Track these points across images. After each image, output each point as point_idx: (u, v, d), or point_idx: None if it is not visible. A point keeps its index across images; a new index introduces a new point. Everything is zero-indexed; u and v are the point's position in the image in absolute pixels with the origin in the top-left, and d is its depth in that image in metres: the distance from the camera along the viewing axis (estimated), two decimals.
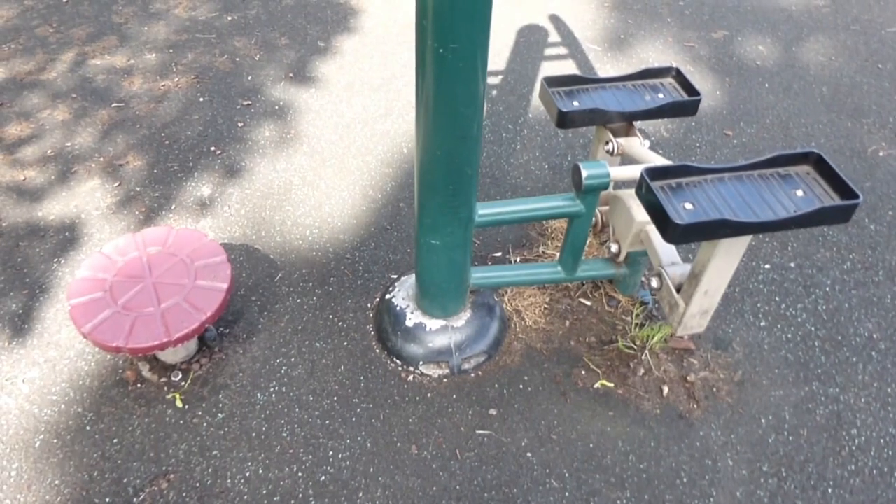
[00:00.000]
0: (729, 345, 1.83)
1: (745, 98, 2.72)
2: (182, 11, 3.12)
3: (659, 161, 1.67)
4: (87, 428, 1.61)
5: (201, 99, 2.63)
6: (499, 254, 2.06)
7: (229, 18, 3.06)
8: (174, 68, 2.79)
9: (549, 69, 2.81)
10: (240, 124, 2.52)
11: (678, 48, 2.97)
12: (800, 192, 1.32)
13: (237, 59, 2.83)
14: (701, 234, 1.24)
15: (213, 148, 2.42)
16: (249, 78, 2.73)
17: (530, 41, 2.97)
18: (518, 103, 2.63)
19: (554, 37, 3.00)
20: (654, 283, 1.57)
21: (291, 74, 2.75)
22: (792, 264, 2.07)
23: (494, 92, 2.68)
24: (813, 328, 1.89)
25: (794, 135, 2.55)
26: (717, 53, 2.95)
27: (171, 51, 2.88)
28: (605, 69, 2.82)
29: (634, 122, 1.80)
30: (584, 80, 1.81)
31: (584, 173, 1.48)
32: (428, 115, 1.26)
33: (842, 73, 2.88)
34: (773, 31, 3.11)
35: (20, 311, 1.87)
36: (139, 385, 1.70)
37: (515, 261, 2.04)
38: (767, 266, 2.06)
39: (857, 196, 1.26)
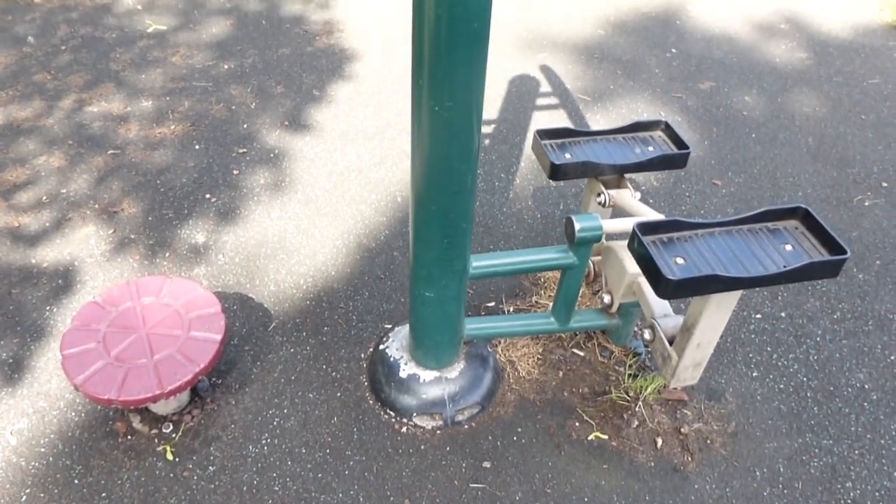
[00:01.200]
0: (722, 395, 1.84)
1: (732, 148, 2.77)
2: (179, 59, 3.16)
3: (649, 213, 1.70)
4: (76, 481, 1.59)
5: (197, 146, 2.66)
6: (492, 303, 2.07)
7: (226, 67, 3.11)
8: (170, 115, 2.82)
9: (541, 119, 2.86)
10: (235, 172, 2.54)
11: (666, 98, 3.03)
12: (789, 247, 1.34)
13: (233, 107, 2.87)
14: (693, 289, 1.26)
15: (207, 195, 2.43)
16: (245, 126, 2.77)
17: (522, 91, 3.03)
18: (510, 152, 2.67)
19: (545, 87, 3.06)
20: (647, 335, 1.58)
21: (287, 122, 2.79)
22: (783, 314, 2.09)
23: (487, 141, 2.72)
24: (805, 378, 1.90)
25: (781, 185, 2.60)
26: (705, 104, 3.02)
27: (167, 98, 2.92)
28: (595, 119, 2.87)
29: (625, 174, 1.83)
30: (575, 133, 1.84)
31: (577, 226, 1.50)
32: (423, 171, 1.28)
33: (826, 123, 2.95)
34: (759, 82, 3.18)
35: (10, 360, 1.85)
36: (129, 437, 1.68)
37: (509, 310, 2.05)
38: (759, 316, 2.07)
39: (844, 251, 1.28)
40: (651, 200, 2.48)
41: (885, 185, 2.63)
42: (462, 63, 1.11)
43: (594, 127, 2.82)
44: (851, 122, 2.96)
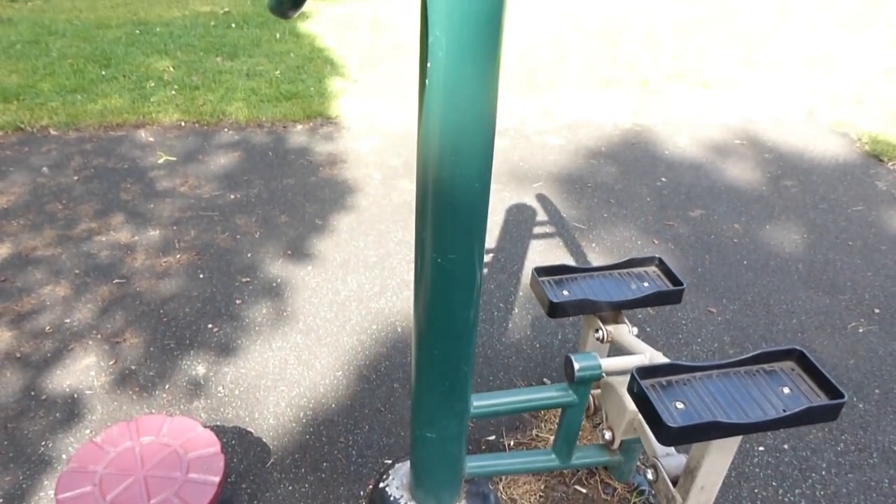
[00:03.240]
0: None
1: (725, 275, 2.83)
2: (187, 190, 3.28)
3: (646, 350, 1.73)
4: None
5: (201, 276, 2.71)
6: (492, 437, 2.05)
7: (232, 197, 3.22)
8: (176, 245, 2.90)
9: (538, 248, 2.94)
10: (238, 301, 2.58)
11: (658, 227, 3.13)
12: (786, 390, 1.36)
13: (238, 237, 2.95)
14: (694, 436, 1.27)
15: (210, 325, 2.46)
16: (249, 255, 2.84)
17: (519, 220, 3.13)
18: (509, 281, 2.73)
19: (541, 216, 3.16)
20: (650, 474, 1.56)
21: (289, 252, 2.86)
22: (786, 446, 2.07)
23: (486, 270, 2.79)
24: None
25: (775, 312, 2.64)
26: (696, 231, 3.11)
27: (174, 227, 3.01)
28: (591, 247, 2.95)
29: (622, 310, 1.87)
30: (572, 270, 1.90)
31: (576, 366, 1.53)
32: (424, 317, 1.32)
33: (815, 250, 3.03)
34: (747, 209, 3.29)
35: (2, 501, 1.81)
36: None
37: (509, 444, 2.03)
38: (762, 448, 2.06)
39: (842, 395, 1.30)
40: (648, 329, 2.51)
41: (877, 311, 2.67)
42: (464, 218, 1.17)
43: (591, 256, 2.90)
44: (839, 249, 3.04)
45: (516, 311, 2.58)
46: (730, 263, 2.91)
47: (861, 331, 2.56)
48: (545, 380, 2.28)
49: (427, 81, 1.05)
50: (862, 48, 5.26)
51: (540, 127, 3.94)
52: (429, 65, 1.03)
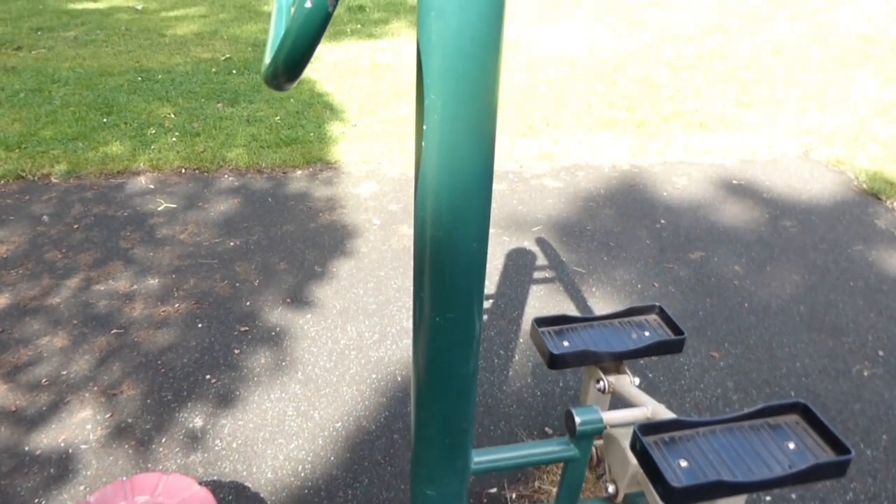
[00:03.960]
0: None
1: (727, 318, 2.82)
2: (187, 237, 3.28)
3: (649, 402, 1.70)
4: None
5: (200, 325, 2.70)
6: (494, 490, 2.01)
7: (231, 244, 3.22)
8: (175, 293, 2.89)
9: (538, 292, 2.93)
10: (236, 351, 2.56)
11: (658, 269, 3.12)
12: (791, 445, 1.34)
13: (237, 285, 2.94)
14: (699, 495, 1.24)
15: (208, 376, 2.44)
16: (248, 303, 2.82)
17: (519, 265, 3.12)
18: (509, 328, 2.71)
19: (541, 260, 3.16)
20: None
21: (289, 300, 2.85)
22: (793, 495, 2.03)
23: (486, 316, 2.77)
24: None
25: (778, 356, 2.61)
26: (696, 274, 3.10)
27: (173, 276, 3.00)
28: (591, 291, 2.94)
29: (624, 360, 1.86)
30: (572, 320, 1.89)
31: (578, 420, 1.50)
32: (423, 375, 1.30)
33: (816, 291, 3.01)
34: (747, 251, 3.29)
35: None
36: None
37: (511, 497, 1.99)
38: (769, 498, 2.02)
39: (848, 451, 1.28)
40: (650, 375, 2.49)
41: (881, 353, 2.65)
42: (463, 278, 1.16)
43: (591, 301, 2.88)
44: (841, 290, 3.03)
45: (517, 358, 2.56)
46: (731, 306, 2.89)
47: (866, 374, 2.54)
48: (547, 429, 2.25)
49: (423, 143, 1.05)
50: (856, 85, 5.32)
51: (538, 170, 3.96)
52: (424, 127, 1.03)
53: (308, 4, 0.69)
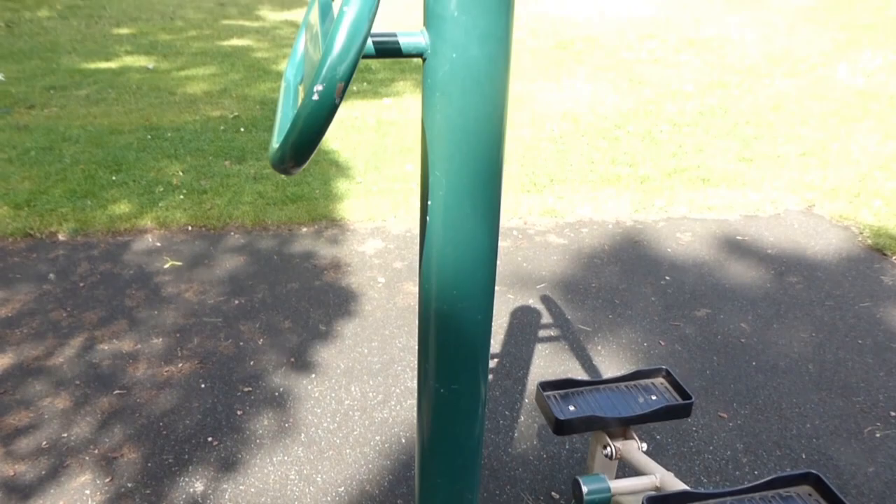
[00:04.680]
0: None
1: (734, 377, 2.79)
2: (192, 295, 3.29)
3: (657, 470, 1.67)
4: None
5: (203, 385, 2.68)
6: None
7: (236, 302, 3.23)
8: (179, 353, 2.88)
9: (543, 351, 2.91)
10: (239, 412, 2.54)
11: (665, 327, 3.10)
12: None
13: (241, 344, 2.93)
14: None
15: (210, 438, 2.41)
16: (252, 363, 2.81)
17: (524, 323, 3.11)
18: (514, 388, 2.68)
19: (546, 318, 3.15)
20: None
21: (293, 359, 2.84)
22: None
23: (492, 376, 2.75)
24: None
25: (788, 416, 2.58)
26: (703, 332, 3.08)
27: (177, 335, 2.99)
28: (597, 350, 2.92)
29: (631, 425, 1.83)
30: (578, 384, 1.87)
31: (585, 489, 1.48)
32: (428, 446, 1.29)
33: (824, 349, 2.99)
34: (753, 308, 3.28)
35: None
36: None
37: None
38: None
39: None
40: (658, 437, 2.45)
41: (893, 414, 2.61)
42: (468, 350, 1.16)
43: (597, 360, 2.86)
44: (849, 348, 3.00)
45: (522, 419, 2.52)
46: (739, 365, 2.86)
47: (878, 435, 2.49)
48: (553, 493, 2.21)
49: (427, 218, 1.06)
50: (856, 140, 5.37)
51: (542, 226, 3.98)
52: (429, 203, 1.05)
53: (315, 97, 0.71)
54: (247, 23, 9.53)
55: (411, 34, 0.97)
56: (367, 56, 0.90)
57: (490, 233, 1.07)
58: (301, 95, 1.02)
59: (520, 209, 4.11)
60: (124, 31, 9.00)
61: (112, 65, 7.43)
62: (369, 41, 0.94)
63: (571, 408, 1.79)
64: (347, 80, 0.72)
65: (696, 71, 7.17)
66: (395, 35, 0.96)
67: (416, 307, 2.85)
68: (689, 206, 4.28)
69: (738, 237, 3.96)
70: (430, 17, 0.94)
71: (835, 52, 7.73)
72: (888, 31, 8.40)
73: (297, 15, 10.01)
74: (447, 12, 0.92)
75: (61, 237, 3.84)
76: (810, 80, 6.91)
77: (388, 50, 0.97)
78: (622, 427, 1.81)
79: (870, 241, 3.95)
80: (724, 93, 6.49)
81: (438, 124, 0.99)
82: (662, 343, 2.99)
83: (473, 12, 0.92)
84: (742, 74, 7.06)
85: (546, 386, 1.84)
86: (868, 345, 3.03)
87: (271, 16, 10.03)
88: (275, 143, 0.85)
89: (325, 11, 0.98)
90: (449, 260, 1.07)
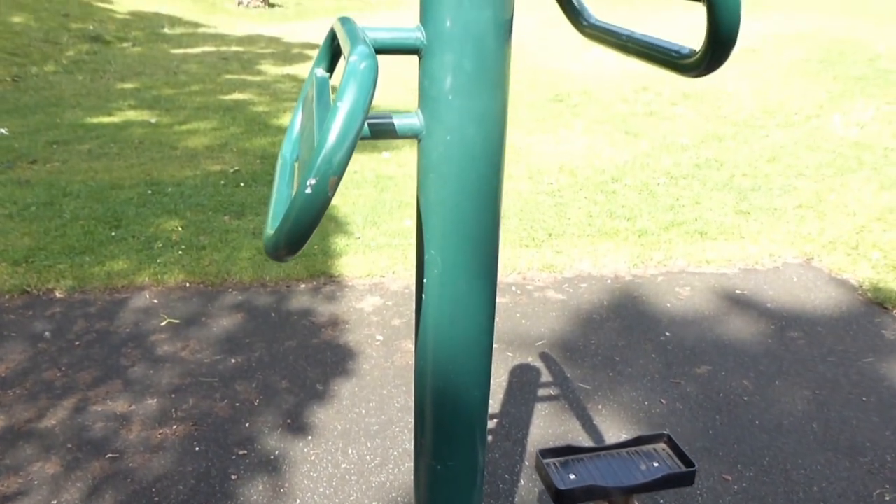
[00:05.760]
0: None
1: (738, 437, 2.74)
2: (188, 354, 3.26)
3: None
4: None
5: (197, 448, 2.63)
6: None
7: (233, 361, 3.20)
8: (173, 414, 2.83)
9: (543, 410, 2.87)
10: (233, 477, 2.49)
11: (665, 385, 3.07)
12: None
13: (237, 405, 2.89)
14: None
15: None
16: (247, 425, 2.77)
17: (523, 382, 3.08)
18: (514, 449, 2.64)
19: (545, 376, 3.11)
20: None
21: (289, 421, 2.79)
22: None
23: (491, 437, 2.70)
24: None
25: (794, 478, 2.52)
26: (704, 389, 3.04)
27: (172, 396, 2.95)
28: (597, 409, 2.88)
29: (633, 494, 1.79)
30: (578, 450, 1.83)
31: None
32: None
33: (829, 407, 2.95)
34: (755, 364, 3.24)
35: None
36: None
37: None
38: None
39: None
40: (661, 501, 2.39)
41: None
42: (464, 427, 1.14)
43: (597, 419, 2.82)
44: (854, 406, 2.96)
45: (522, 482, 2.47)
46: (742, 424, 2.82)
47: (888, 498, 2.44)
48: None
49: (423, 296, 1.06)
50: (852, 192, 5.40)
51: (541, 282, 3.98)
52: (425, 281, 1.04)
53: (308, 190, 0.71)
54: (248, 77, 9.69)
55: (406, 115, 0.97)
56: (362, 138, 0.90)
57: (486, 310, 1.06)
58: (297, 175, 1.03)
59: (518, 264, 4.11)
60: (128, 85, 9.14)
61: (115, 119, 7.52)
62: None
63: (572, 476, 1.75)
64: (340, 173, 0.72)
65: (691, 123, 7.26)
66: (390, 116, 0.97)
67: (414, 365, 2.83)
68: (688, 259, 4.28)
69: (738, 291, 3.95)
70: (425, 99, 0.95)
71: (828, 103, 7.84)
72: (879, 82, 8.53)
73: (297, 69, 10.19)
74: (442, 95, 0.93)
75: (58, 294, 3.82)
76: (805, 132, 6.99)
77: (383, 131, 0.97)
78: (624, 496, 1.77)
79: (870, 295, 3.93)
80: (719, 145, 6.56)
81: (433, 204, 0.99)
82: (663, 402, 2.95)
83: (468, 95, 0.93)
84: (737, 126, 7.15)
85: (546, 453, 1.80)
86: (873, 402, 2.99)
87: (272, 70, 10.20)
88: (269, 230, 0.85)
89: (322, 90, 0.99)
90: (445, 338, 1.06)
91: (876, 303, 3.86)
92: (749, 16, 12.72)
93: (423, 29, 0.93)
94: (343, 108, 0.72)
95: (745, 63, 9.27)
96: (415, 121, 0.97)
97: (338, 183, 0.73)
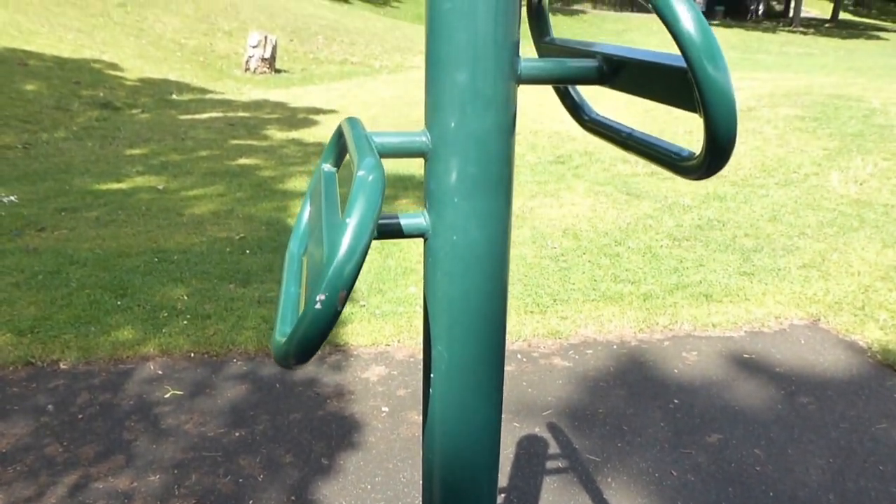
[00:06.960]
0: None
1: None
2: (192, 427, 3.23)
3: None
4: None
5: None
6: None
7: (237, 434, 3.16)
8: (176, 491, 2.79)
9: (551, 484, 2.82)
10: None
11: (676, 455, 3.01)
12: None
13: (240, 480, 2.85)
14: None
15: None
16: (251, 502, 2.72)
17: (530, 453, 3.03)
18: None
19: (553, 447, 3.07)
20: None
21: (293, 497, 2.75)
22: None
23: None
24: None
25: None
26: (716, 460, 2.99)
27: (175, 471, 2.91)
28: (606, 482, 2.83)
29: None
30: None
31: None
32: None
33: (845, 477, 2.89)
34: (766, 432, 3.19)
35: None
36: None
37: None
38: None
39: None
40: None
41: None
42: (471, 491, 1.13)
43: (607, 493, 2.77)
44: (871, 476, 2.90)
45: None
46: (756, 497, 2.76)
47: None
48: None
49: (431, 391, 1.06)
50: (854, 250, 5.41)
51: (546, 349, 3.96)
52: (432, 376, 1.04)
53: (318, 305, 0.72)
54: (254, 142, 9.86)
55: (413, 216, 0.99)
56: None
57: (495, 405, 1.06)
58: (305, 273, 1.04)
59: (524, 331, 4.10)
60: (137, 151, 9.30)
61: (123, 185, 7.63)
62: None
63: None
64: (350, 286, 0.74)
65: (691, 183, 7.33)
66: (396, 217, 0.99)
67: (420, 437, 2.79)
68: (694, 323, 4.26)
69: (745, 355, 3.92)
70: (432, 201, 0.97)
71: (826, 160, 7.93)
72: (875, 138, 8.65)
73: (303, 134, 10.38)
74: (447, 196, 0.95)
75: (63, 366, 3.81)
76: (804, 190, 7.05)
77: (390, 231, 0.99)
78: None
79: (879, 357, 3.90)
80: (720, 205, 6.61)
81: (440, 301, 1.00)
82: (674, 473, 2.89)
83: (473, 196, 0.95)
84: (737, 186, 7.21)
85: None
86: (890, 471, 2.93)
87: (278, 135, 10.38)
88: (278, 336, 0.86)
89: (329, 185, 1.01)
90: (453, 434, 1.06)
91: (886, 365, 3.83)
92: (742, 76, 12.98)
93: (428, 133, 0.95)
94: (352, 223, 0.74)
95: (742, 122, 9.41)
96: (421, 221, 0.99)
97: (347, 296, 0.74)
